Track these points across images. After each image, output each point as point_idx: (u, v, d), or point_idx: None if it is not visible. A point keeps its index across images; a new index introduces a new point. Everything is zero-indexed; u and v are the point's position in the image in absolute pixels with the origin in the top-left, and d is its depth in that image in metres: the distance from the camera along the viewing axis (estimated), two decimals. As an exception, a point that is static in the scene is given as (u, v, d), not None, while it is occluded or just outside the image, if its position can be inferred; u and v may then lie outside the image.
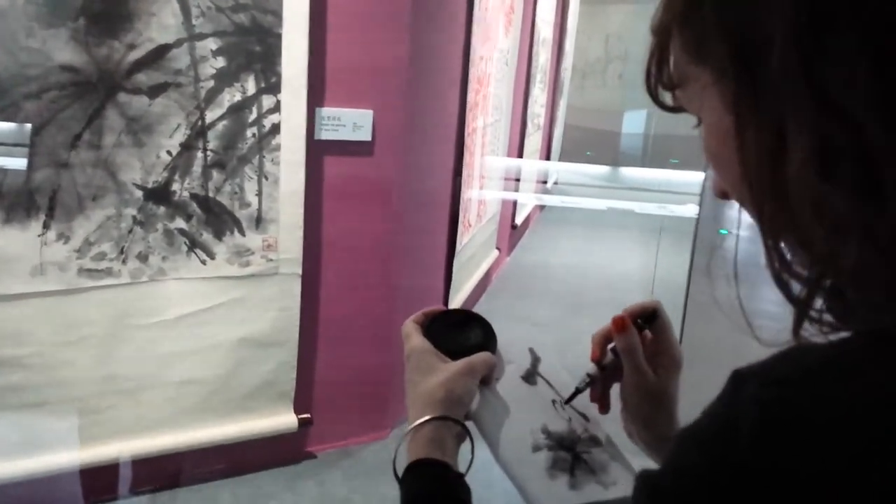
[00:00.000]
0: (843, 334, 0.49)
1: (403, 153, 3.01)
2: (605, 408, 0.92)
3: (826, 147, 0.45)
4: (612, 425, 0.93)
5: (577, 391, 0.90)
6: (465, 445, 0.87)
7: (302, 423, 2.92)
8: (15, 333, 2.34)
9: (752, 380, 0.48)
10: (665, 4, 0.56)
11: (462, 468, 0.83)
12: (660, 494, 0.50)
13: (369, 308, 3.09)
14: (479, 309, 4.65)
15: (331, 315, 3.00)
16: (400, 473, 0.81)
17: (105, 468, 2.62)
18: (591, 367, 0.90)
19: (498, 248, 5.59)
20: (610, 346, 0.90)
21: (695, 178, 7.69)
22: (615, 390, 0.92)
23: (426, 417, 0.82)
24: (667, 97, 0.60)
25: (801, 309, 0.50)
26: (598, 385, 0.90)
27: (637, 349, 0.86)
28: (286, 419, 2.90)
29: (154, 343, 2.58)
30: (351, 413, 3.19)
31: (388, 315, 3.11)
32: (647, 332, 0.89)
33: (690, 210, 6.24)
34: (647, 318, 0.89)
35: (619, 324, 0.87)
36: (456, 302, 4.08)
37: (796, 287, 0.51)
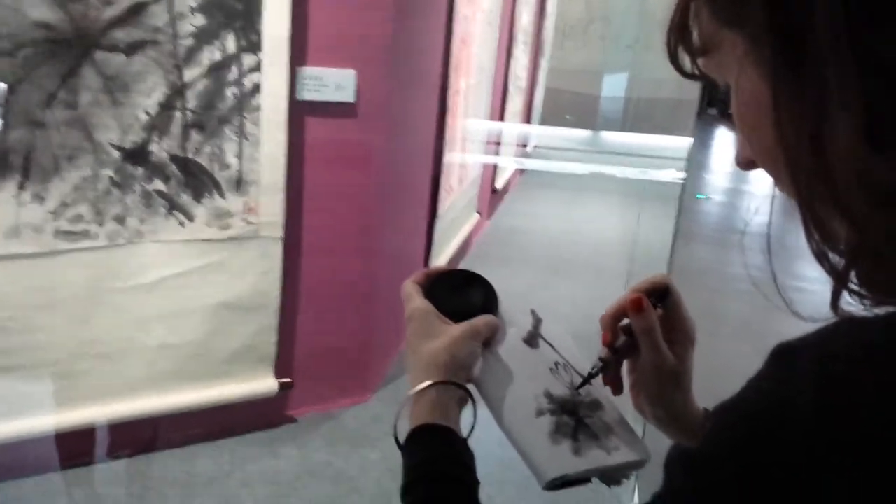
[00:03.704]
0: (889, 308, 0.47)
1: (387, 115, 2.96)
2: (618, 389, 0.88)
3: (875, 116, 0.44)
4: (621, 402, 0.91)
5: (591, 376, 0.87)
6: (468, 409, 0.85)
7: (283, 386, 2.91)
8: (-11, 296, 2.29)
9: (804, 355, 0.46)
10: None
11: (464, 433, 0.81)
12: (700, 471, 0.48)
13: (351, 272, 3.06)
14: None
15: (312, 279, 2.97)
16: (402, 440, 0.79)
17: (82, 432, 2.59)
18: (602, 351, 0.86)
19: (479, 212, 5.57)
20: (621, 325, 0.87)
21: (675, 143, 7.69)
22: (624, 368, 0.90)
23: (429, 382, 0.80)
24: (686, 62, 0.58)
25: (841, 280, 0.48)
26: (611, 368, 0.87)
27: (656, 329, 0.83)
28: (267, 383, 2.88)
29: (132, 306, 2.54)
30: (332, 377, 3.18)
31: (369, 279, 3.09)
32: (659, 309, 0.86)
33: (671, 175, 6.24)
34: (659, 295, 0.85)
35: (637, 304, 0.82)
36: (438, 265, 4.05)
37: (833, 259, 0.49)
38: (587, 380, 0.87)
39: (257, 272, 2.73)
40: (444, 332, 0.84)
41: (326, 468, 2.84)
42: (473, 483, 0.75)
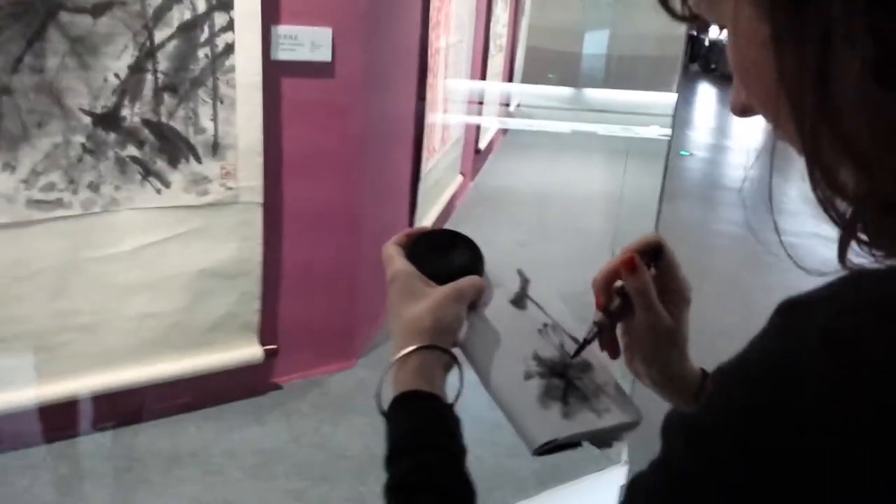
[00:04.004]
0: None
1: (365, 75, 2.91)
2: (615, 352, 0.85)
3: (883, 51, 0.40)
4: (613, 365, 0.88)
5: (586, 342, 0.84)
6: (453, 374, 0.82)
7: (267, 354, 2.89)
8: (-39, 269, 2.24)
9: (812, 312, 0.43)
10: None
11: (450, 398, 0.78)
12: (701, 439, 0.45)
13: (334, 236, 3.03)
14: None
15: (294, 244, 2.93)
16: (385, 407, 0.75)
17: (65, 405, 2.56)
18: (596, 315, 0.83)
19: (462, 173, 5.54)
20: (614, 287, 0.83)
21: (658, 100, 7.63)
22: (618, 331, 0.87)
23: (413, 347, 0.76)
24: (677, 4, 0.54)
25: (849, 230, 0.45)
26: (606, 332, 0.84)
27: (650, 289, 0.80)
28: (251, 351, 2.86)
29: (110, 276, 2.50)
30: (317, 343, 3.16)
31: (352, 243, 3.06)
32: (653, 269, 0.83)
33: (654, 131, 6.20)
34: (652, 255, 0.83)
35: (630, 263, 0.79)
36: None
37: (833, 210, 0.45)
38: (583, 346, 0.84)
39: (238, 238, 2.69)
40: (427, 295, 0.81)
41: (313, 435, 2.83)
42: (459, 451, 0.73)
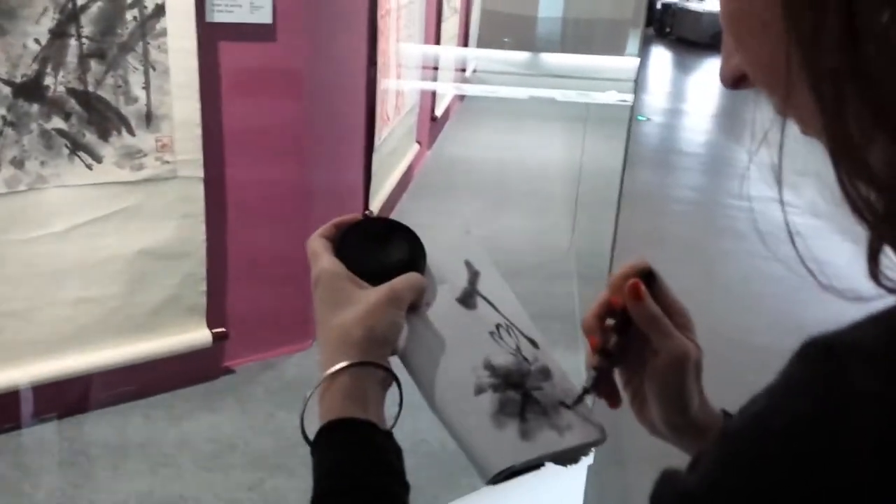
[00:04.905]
0: None
1: (310, 38, 2.81)
2: (616, 400, 0.76)
3: None
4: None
5: (585, 392, 0.74)
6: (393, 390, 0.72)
7: (216, 337, 2.80)
8: None
9: (853, 363, 0.34)
10: None
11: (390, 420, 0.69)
12: None
13: (283, 210, 2.94)
14: (402, 208, 4.57)
15: (241, 221, 2.83)
16: (312, 436, 0.66)
17: (1, 396, 2.45)
18: (594, 359, 0.74)
19: (418, 142, 5.45)
20: (608, 325, 0.74)
21: (615, 64, 7.55)
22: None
23: (342, 364, 0.66)
24: None
25: (882, 228, 0.36)
26: (604, 377, 0.74)
27: (662, 315, 0.70)
28: (199, 334, 2.76)
29: (42, 258, 2.39)
30: (270, 324, 3.07)
31: (304, 216, 2.96)
32: None
33: (612, 97, 6.12)
34: (645, 280, 0.73)
35: (635, 291, 0.70)
36: (378, 201, 3.92)
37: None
38: (582, 396, 0.74)
39: (178, 216, 2.59)
40: (358, 300, 0.70)
41: (269, 420, 2.73)
42: (401, 489, 0.63)
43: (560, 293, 3.70)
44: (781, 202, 0.44)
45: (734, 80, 0.46)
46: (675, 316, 0.73)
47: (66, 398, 2.62)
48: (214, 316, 2.80)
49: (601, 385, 0.75)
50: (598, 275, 3.09)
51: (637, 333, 0.71)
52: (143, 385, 2.76)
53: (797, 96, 0.39)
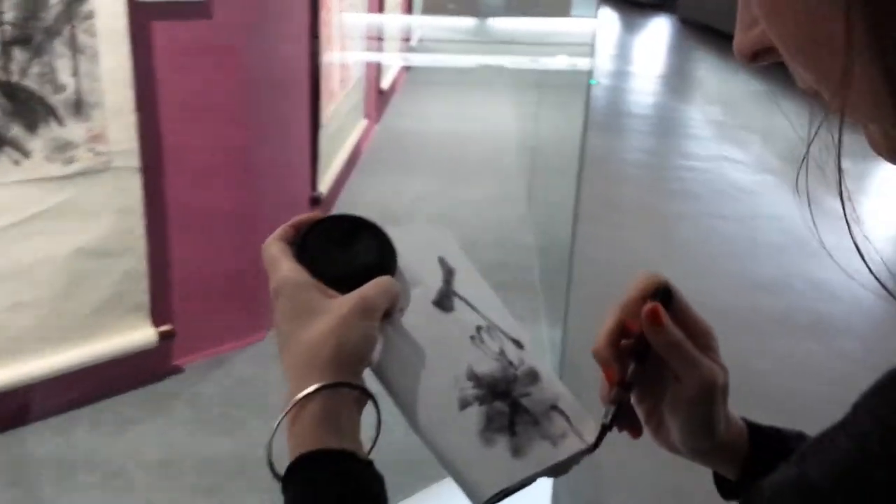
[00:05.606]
0: None
1: (247, 12, 2.71)
2: (639, 429, 0.71)
3: None
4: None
5: (606, 428, 0.68)
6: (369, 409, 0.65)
7: (163, 335, 2.69)
8: None
9: None
10: None
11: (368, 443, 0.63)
12: None
13: (227, 198, 2.84)
14: (352, 186, 4.46)
15: (182, 211, 2.73)
16: (282, 471, 0.58)
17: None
18: (613, 393, 0.68)
19: (366, 117, 5.38)
20: (623, 345, 0.68)
21: (564, 27, 7.46)
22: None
23: (312, 388, 0.59)
24: None
25: None
26: (624, 409, 0.69)
27: (684, 339, 0.66)
28: (143, 333, 2.65)
29: None
30: (219, 318, 2.98)
31: (248, 202, 2.89)
32: None
33: (563, 62, 6.06)
34: (663, 299, 0.68)
35: (654, 315, 0.65)
36: (326, 181, 3.80)
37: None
38: (603, 434, 0.69)
39: (114, 210, 2.46)
40: (325, 311, 0.63)
41: (223, 420, 2.63)
42: None
43: (520, 265, 3.65)
44: (845, 217, 0.38)
45: (753, 54, 0.42)
46: (698, 337, 0.68)
47: (4, 411, 2.50)
48: (159, 313, 2.69)
49: (621, 417, 0.69)
50: (557, 244, 3.02)
51: (655, 356, 0.67)
52: (87, 391, 2.64)
53: (828, 66, 0.36)
